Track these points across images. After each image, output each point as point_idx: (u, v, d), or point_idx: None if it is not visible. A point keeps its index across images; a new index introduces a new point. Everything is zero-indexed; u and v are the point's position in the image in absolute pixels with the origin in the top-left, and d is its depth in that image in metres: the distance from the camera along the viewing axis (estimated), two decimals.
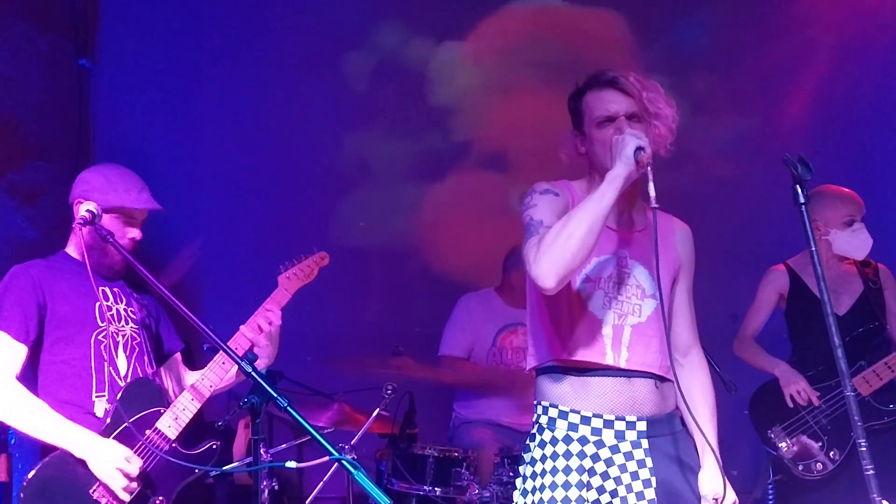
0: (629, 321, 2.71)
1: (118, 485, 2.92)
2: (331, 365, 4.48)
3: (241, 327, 3.25)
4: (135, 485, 2.95)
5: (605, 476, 2.65)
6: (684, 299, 2.87)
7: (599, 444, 2.67)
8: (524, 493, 2.74)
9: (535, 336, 2.81)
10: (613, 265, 2.72)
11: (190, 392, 3.13)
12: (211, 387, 3.15)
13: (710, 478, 2.72)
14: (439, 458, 4.10)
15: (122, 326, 3.16)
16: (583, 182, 2.80)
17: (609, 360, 2.68)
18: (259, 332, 3.24)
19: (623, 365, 2.68)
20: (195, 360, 4.31)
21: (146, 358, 3.21)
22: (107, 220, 3.11)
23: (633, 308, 2.72)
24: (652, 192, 2.51)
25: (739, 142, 5.47)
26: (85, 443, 2.93)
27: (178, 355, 3.43)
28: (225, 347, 2.77)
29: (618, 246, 2.73)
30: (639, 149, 2.54)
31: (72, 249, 3.21)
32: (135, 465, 2.96)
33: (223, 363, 3.15)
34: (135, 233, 3.17)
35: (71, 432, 2.94)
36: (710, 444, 2.71)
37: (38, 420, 2.95)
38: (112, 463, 2.92)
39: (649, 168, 2.53)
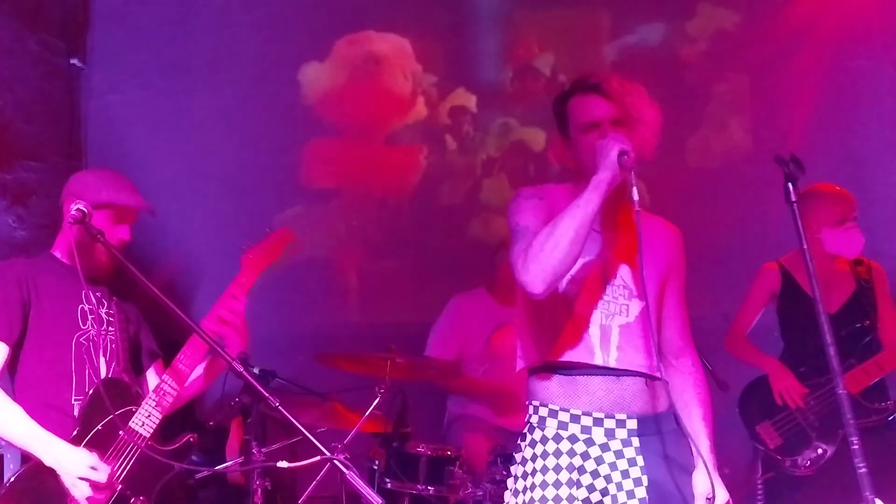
0: (616, 321, 2.72)
1: (82, 494, 2.86)
2: (323, 364, 4.47)
3: (203, 322, 3.14)
4: (102, 496, 2.89)
5: (595, 474, 2.66)
6: (675, 302, 2.87)
7: (589, 443, 2.69)
8: (515, 492, 2.76)
9: (523, 337, 2.83)
10: (599, 266, 2.74)
11: (168, 376, 3.06)
12: (185, 378, 3.08)
13: (704, 478, 2.71)
14: (432, 457, 4.10)
15: (104, 330, 3.09)
16: (569, 186, 2.82)
17: (598, 360, 2.70)
18: (223, 324, 3.15)
19: (612, 364, 2.69)
20: None
21: (126, 360, 3.14)
22: (97, 218, 3.04)
23: (619, 308, 2.73)
24: (635, 196, 2.53)
25: (732, 140, 5.48)
26: (52, 449, 2.87)
27: (158, 364, 3.34)
28: (216, 346, 2.75)
29: (603, 247, 2.75)
30: (622, 153, 2.56)
31: (59, 250, 3.15)
32: (102, 473, 2.89)
33: (193, 354, 3.07)
34: (124, 232, 3.11)
35: (40, 438, 2.88)
36: (703, 445, 2.72)
37: (10, 424, 2.90)
38: (75, 472, 2.86)
39: (632, 172, 2.55)
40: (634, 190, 2.54)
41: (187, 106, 5.45)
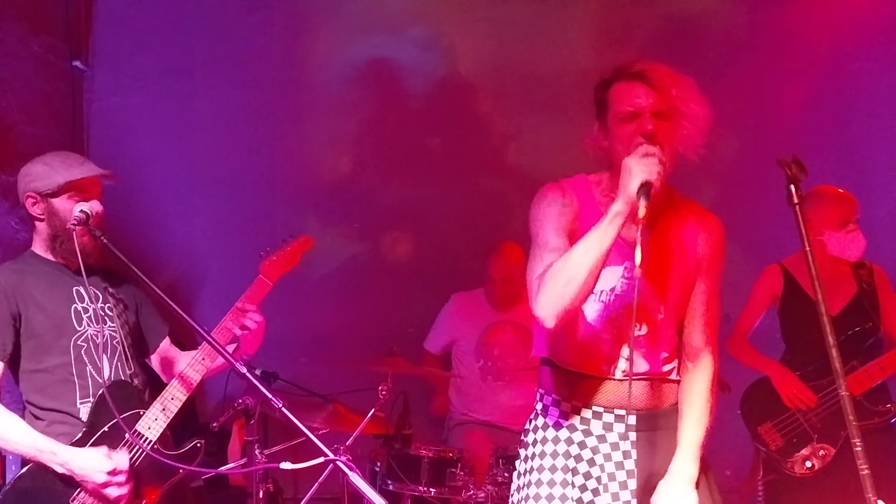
0: (629, 333, 2.63)
1: (115, 490, 2.88)
2: (326, 366, 4.47)
3: (224, 324, 3.14)
4: (125, 484, 2.90)
5: (590, 463, 2.69)
6: (702, 301, 2.74)
7: (587, 433, 2.71)
8: (518, 475, 2.81)
9: (538, 332, 2.78)
10: (616, 277, 2.66)
11: (177, 382, 3.06)
12: (194, 383, 3.09)
13: (665, 486, 2.64)
14: (434, 459, 4.11)
15: (101, 328, 3.06)
16: (601, 175, 2.71)
17: (604, 373, 2.69)
18: (237, 334, 3.15)
19: (618, 377, 2.68)
20: None
21: (127, 358, 3.12)
22: (61, 203, 3.02)
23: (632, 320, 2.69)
24: (638, 259, 2.36)
25: (733, 142, 5.48)
26: (61, 458, 2.87)
27: (166, 340, 3.34)
28: (220, 348, 2.75)
29: (622, 257, 2.64)
30: (643, 186, 2.40)
31: (38, 247, 3.11)
32: (121, 459, 2.90)
33: (203, 359, 3.08)
34: (94, 205, 3.05)
35: (46, 450, 2.88)
36: (683, 450, 2.65)
37: (14, 439, 2.90)
38: (98, 469, 2.86)
39: (639, 230, 2.37)
40: (638, 251, 2.35)
41: (189, 108, 5.45)
